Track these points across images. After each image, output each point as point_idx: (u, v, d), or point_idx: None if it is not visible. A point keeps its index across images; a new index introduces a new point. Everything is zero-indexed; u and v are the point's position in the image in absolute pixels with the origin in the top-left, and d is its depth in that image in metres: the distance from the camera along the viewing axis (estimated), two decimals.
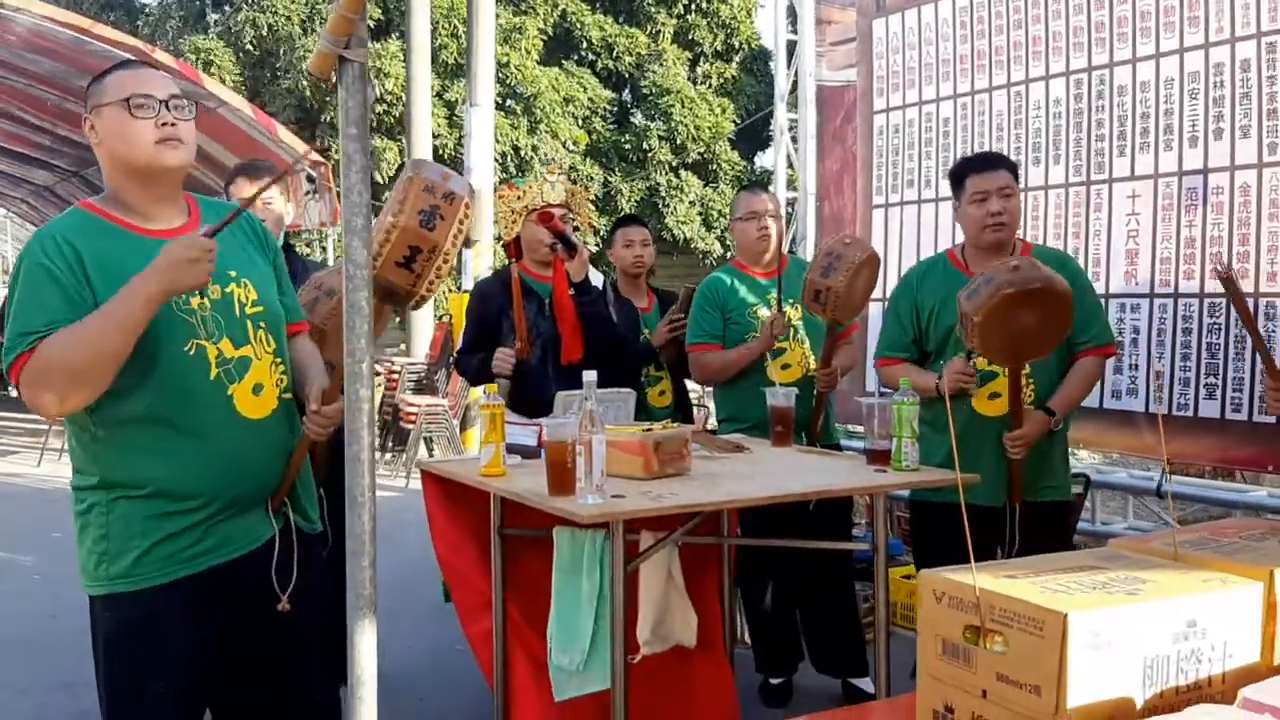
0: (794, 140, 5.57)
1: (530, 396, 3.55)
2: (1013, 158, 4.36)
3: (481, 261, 9.43)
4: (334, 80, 1.43)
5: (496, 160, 15.86)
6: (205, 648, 2.24)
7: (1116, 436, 3.99)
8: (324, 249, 12.47)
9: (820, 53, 5.30)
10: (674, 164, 16.45)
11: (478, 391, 5.82)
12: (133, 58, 10.71)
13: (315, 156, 12.18)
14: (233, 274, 2.25)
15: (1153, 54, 3.82)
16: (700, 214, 16.81)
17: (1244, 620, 1.45)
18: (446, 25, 15.52)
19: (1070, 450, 3.99)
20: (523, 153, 16.14)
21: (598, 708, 3.03)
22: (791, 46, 5.59)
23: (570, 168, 16.59)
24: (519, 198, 3.68)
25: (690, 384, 4.48)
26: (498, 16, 16.53)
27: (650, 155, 16.49)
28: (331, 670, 2.64)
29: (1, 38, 11.09)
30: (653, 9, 17.50)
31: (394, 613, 4.75)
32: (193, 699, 2.28)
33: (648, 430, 2.84)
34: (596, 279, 3.74)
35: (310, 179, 11.75)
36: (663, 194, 16.43)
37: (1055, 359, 3.19)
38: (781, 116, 5.64)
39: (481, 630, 3.29)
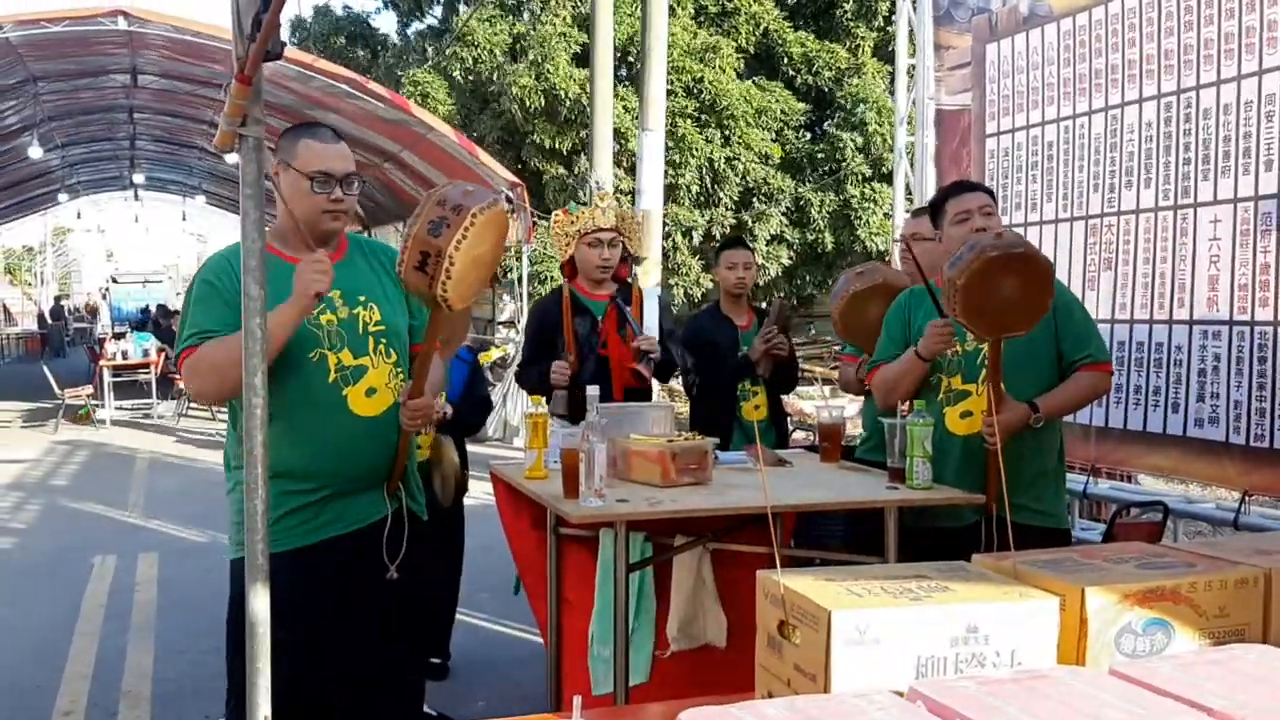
0: (911, 163, 5.62)
1: (584, 408, 3.83)
2: (1107, 181, 4.33)
3: (649, 278, 9.80)
4: (236, 148, 1.77)
5: (694, 173, 16.25)
6: (316, 606, 2.66)
7: (1198, 466, 3.88)
8: (520, 262, 13.18)
9: (939, 77, 5.34)
10: (868, 175, 16.34)
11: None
12: (348, 88, 11.74)
13: (512, 178, 12.94)
14: (362, 299, 2.70)
15: (1234, 76, 3.72)
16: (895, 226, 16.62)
17: (1035, 630, 1.55)
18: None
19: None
20: (717, 165, 16.43)
21: (637, 697, 3.28)
22: (913, 71, 5.66)
23: (763, 180, 16.76)
24: (572, 223, 3.99)
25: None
26: (694, 36, 16.97)
27: (844, 166, 16.46)
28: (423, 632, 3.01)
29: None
30: (851, 24, 17.48)
31: (504, 601, 5.15)
32: (304, 650, 2.66)
33: (670, 441, 3.07)
34: (653, 303, 4.02)
35: (509, 199, 12.50)
36: (855, 206, 16.34)
37: (1046, 374, 3.10)
38: (902, 138, 5.70)
39: (545, 612, 3.61)
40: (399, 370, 2.70)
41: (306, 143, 2.64)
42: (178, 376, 15.06)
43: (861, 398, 4.15)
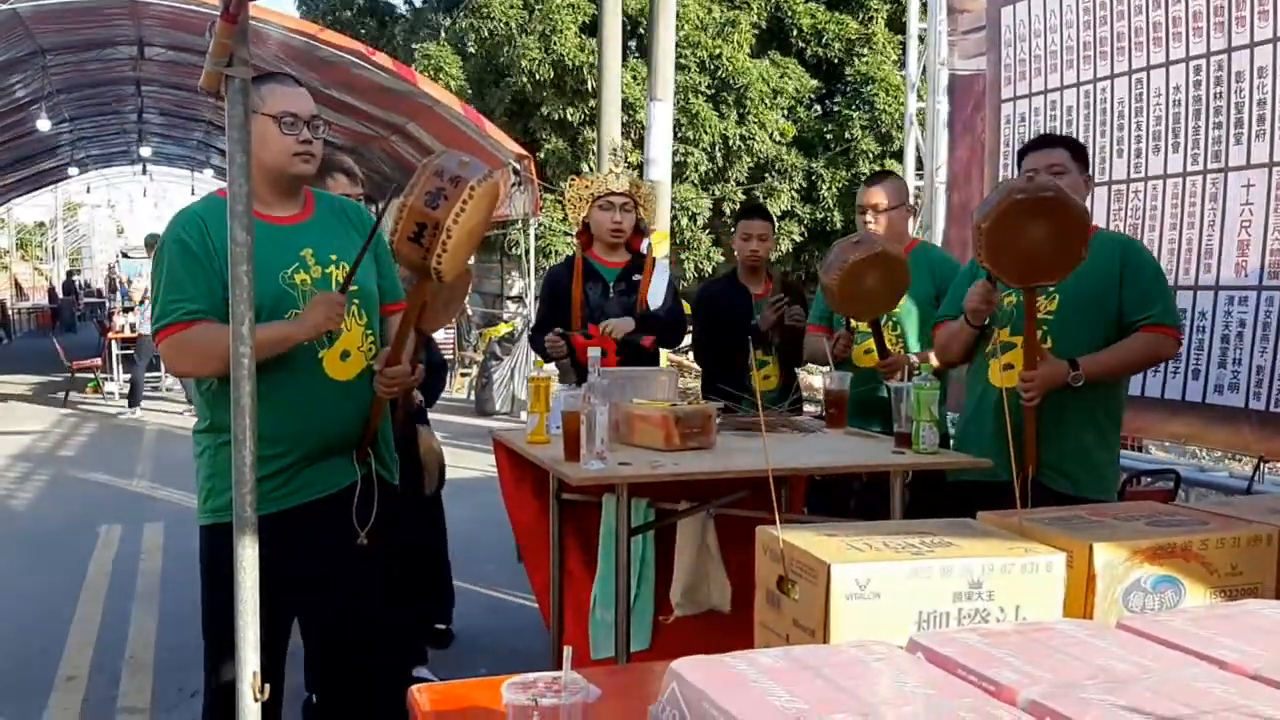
0: (923, 128, 5.54)
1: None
2: (1133, 147, 4.24)
3: (659, 249, 9.74)
4: (221, 92, 1.73)
5: (705, 150, 16.14)
6: (291, 573, 2.59)
7: (1216, 433, 3.82)
8: (526, 235, 13.12)
9: (953, 41, 5.25)
10: (877, 153, 16.22)
11: None
12: (354, 59, 11.64)
13: (520, 149, 12.86)
14: (334, 257, 2.62)
15: (1270, 38, 3.62)
16: None
17: (1041, 586, 1.51)
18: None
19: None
20: (731, 143, 16.32)
21: (638, 662, 3.25)
22: (924, 36, 5.57)
23: (776, 157, 16.65)
24: (586, 186, 4.00)
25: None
26: (709, 10, 16.82)
27: (853, 144, 16.33)
28: (401, 596, 3.01)
29: (261, 50, 12.35)
30: None
31: (508, 571, 5.13)
32: (278, 618, 2.60)
33: (673, 405, 3.02)
34: (663, 274, 4.01)
35: (516, 171, 12.42)
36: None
37: (1105, 335, 2.97)
38: (913, 105, 5.62)
39: (542, 581, 3.58)
40: (370, 333, 2.65)
41: (270, 88, 2.59)
42: None
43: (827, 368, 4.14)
